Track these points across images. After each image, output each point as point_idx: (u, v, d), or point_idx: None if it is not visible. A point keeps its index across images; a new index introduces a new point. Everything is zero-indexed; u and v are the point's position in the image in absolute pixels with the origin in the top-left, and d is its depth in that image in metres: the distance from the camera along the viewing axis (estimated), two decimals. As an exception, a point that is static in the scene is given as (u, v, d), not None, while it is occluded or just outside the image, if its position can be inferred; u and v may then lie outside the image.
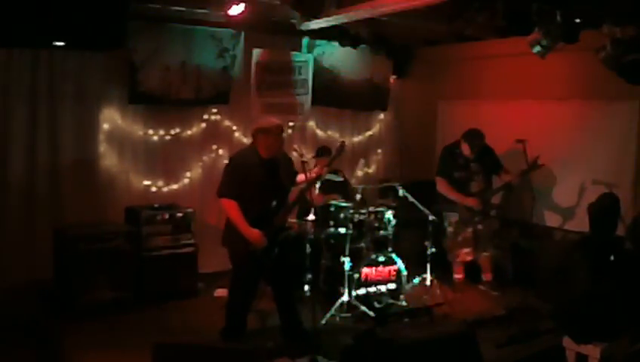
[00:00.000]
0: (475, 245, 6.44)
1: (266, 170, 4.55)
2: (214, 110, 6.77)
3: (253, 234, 4.44)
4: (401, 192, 6.15)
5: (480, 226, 6.38)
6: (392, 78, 8.12)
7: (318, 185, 6.06)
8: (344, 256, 5.56)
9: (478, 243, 6.43)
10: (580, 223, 6.31)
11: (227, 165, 4.72)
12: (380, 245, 5.95)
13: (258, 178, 4.51)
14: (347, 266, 5.50)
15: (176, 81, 6.30)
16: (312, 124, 7.55)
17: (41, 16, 4.46)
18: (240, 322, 4.65)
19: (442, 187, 6.40)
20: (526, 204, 6.68)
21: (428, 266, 6.20)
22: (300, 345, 4.68)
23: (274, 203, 4.57)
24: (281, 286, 4.84)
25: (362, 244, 5.83)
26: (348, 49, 7.37)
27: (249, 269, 4.60)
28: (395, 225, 6.04)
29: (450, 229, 6.43)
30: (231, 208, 4.45)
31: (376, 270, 5.71)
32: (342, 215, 5.84)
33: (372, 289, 5.69)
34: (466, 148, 6.28)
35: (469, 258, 6.51)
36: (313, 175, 4.84)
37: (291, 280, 5.04)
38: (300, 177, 4.93)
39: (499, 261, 6.59)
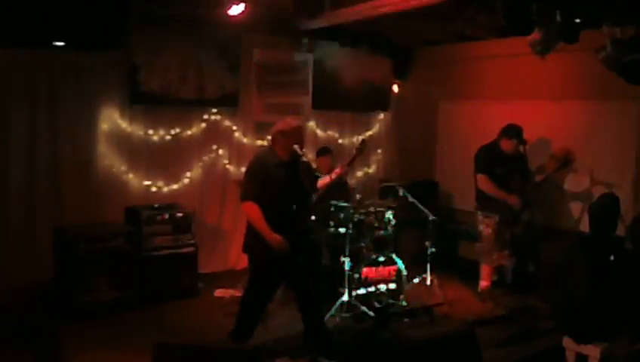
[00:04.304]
0: (513, 248, 6.28)
1: (286, 172, 4.44)
2: (214, 110, 6.77)
3: (276, 239, 4.29)
4: (401, 192, 6.16)
5: (517, 230, 6.26)
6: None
7: None
8: (344, 256, 5.56)
9: (515, 246, 6.29)
10: (581, 223, 6.34)
11: (247, 168, 4.59)
12: (380, 245, 5.95)
13: (279, 179, 4.40)
14: (347, 266, 5.50)
15: (177, 81, 6.31)
16: (312, 124, 7.55)
17: (41, 16, 4.46)
18: (251, 326, 4.54)
19: (484, 184, 6.19)
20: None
21: (428, 266, 6.20)
22: (322, 349, 4.58)
23: (295, 206, 4.43)
24: (305, 292, 4.64)
25: (362, 244, 5.83)
26: (348, 49, 7.37)
27: (270, 276, 4.49)
28: (395, 225, 6.04)
29: (488, 231, 6.23)
30: (253, 212, 4.33)
31: (376, 270, 5.71)
32: (342, 215, 5.84)
33: (372, 289, 5.69)
34: (507, 145, 6.16)
35: (503, 261, 6.33)
36: (334, 175, 4.81)
37: (316, 285, 4.82)
38: (324, 180, 4.90)
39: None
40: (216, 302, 5.84)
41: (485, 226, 6.26)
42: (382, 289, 5.74)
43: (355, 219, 5.77)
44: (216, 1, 5.77)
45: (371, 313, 5.45)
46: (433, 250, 6.21)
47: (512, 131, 6.16)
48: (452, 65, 7.86)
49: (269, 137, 4.63)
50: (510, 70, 7.09)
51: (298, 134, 4.51)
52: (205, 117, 6.72)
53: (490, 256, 6.31)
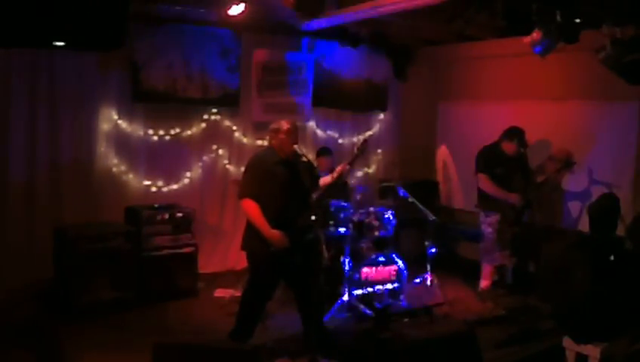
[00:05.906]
0: (513, 248, 6.28)
1: (285, 169, 4.47)
2: (214, 110, 6.77)
3: (275, 235, 4.31)
4: (401, 192, 6.16)
5: (518, 230, 6.26)
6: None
7: None
8: (344, 256, 5.56)
9: (516, 246, 6.29)
10: (580, 223, 6.34)
11: (247, 167, 4.63)
12: (380, 245, 5.95)
13: (278, 177, 4.43)
14: (347, 266, 5.50)
15: (182, 80, 6.32)
16: (312, 123, 7.54)
17: (41, 16, 4.46)
18: (251, 326, 4.55)
19: (484, 183, 6.20)
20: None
21: (428, 266, 6.20)
22: (321, 349, 4.61)
23: (295, 204, 4.44)
24: (304, 290, 4.66)
25: (362, 244, 5.83)
26: (348, 49, 7.37)
27: (269, 273, 4.50)
28: (395, 225, 6.04)
29: (489, 230, 6.24)
30: (252, 209, 4.35)
31: (376, 270, 5.72)
32: (342, 215, 5.85)
33: (372, 289, 5.69)
34: (508, 147, 6.18)
35: (505, 261, 6.32)
36: (335, 175, 4.83)
37: (315, 283, 4.83)
38: (325, 180, 4.93)
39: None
40: (216, 302, 5.84)
41: (487, 226, 6.27)
42: (382, 289, 5.74)
43: (355, 219, 5.77)
44: (217, 1, 5.77)
45: (371, 313, 5.46)
46: (433, 250, 6.21)
47: (513, 133, 6.18)
48: (452, 66, 7.86)
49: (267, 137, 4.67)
50: (510, 70, 7.09)
51: (291, 133, 4.52)
52: (205, 117, 6.72)
53: (492, 255, 6.32)
